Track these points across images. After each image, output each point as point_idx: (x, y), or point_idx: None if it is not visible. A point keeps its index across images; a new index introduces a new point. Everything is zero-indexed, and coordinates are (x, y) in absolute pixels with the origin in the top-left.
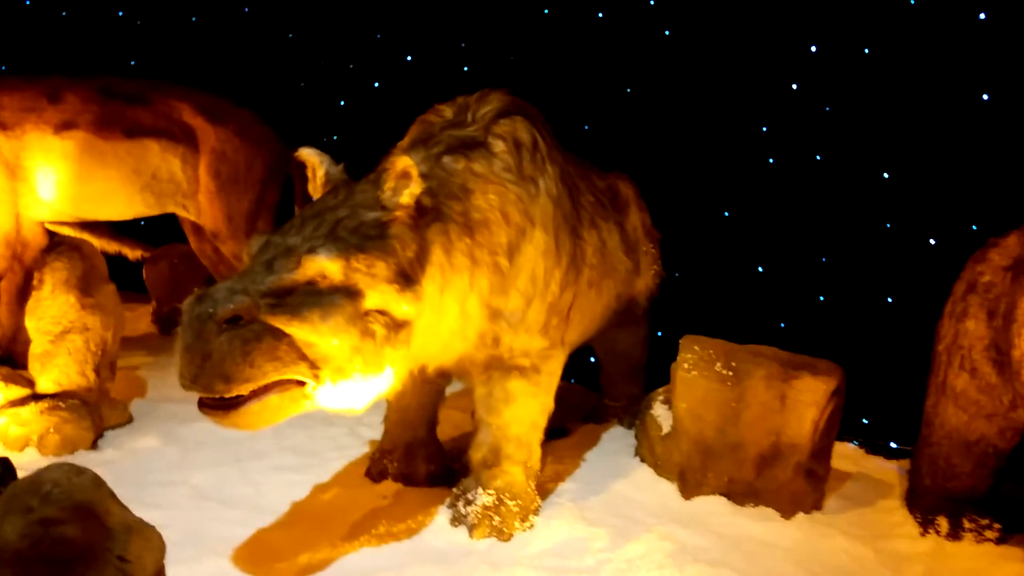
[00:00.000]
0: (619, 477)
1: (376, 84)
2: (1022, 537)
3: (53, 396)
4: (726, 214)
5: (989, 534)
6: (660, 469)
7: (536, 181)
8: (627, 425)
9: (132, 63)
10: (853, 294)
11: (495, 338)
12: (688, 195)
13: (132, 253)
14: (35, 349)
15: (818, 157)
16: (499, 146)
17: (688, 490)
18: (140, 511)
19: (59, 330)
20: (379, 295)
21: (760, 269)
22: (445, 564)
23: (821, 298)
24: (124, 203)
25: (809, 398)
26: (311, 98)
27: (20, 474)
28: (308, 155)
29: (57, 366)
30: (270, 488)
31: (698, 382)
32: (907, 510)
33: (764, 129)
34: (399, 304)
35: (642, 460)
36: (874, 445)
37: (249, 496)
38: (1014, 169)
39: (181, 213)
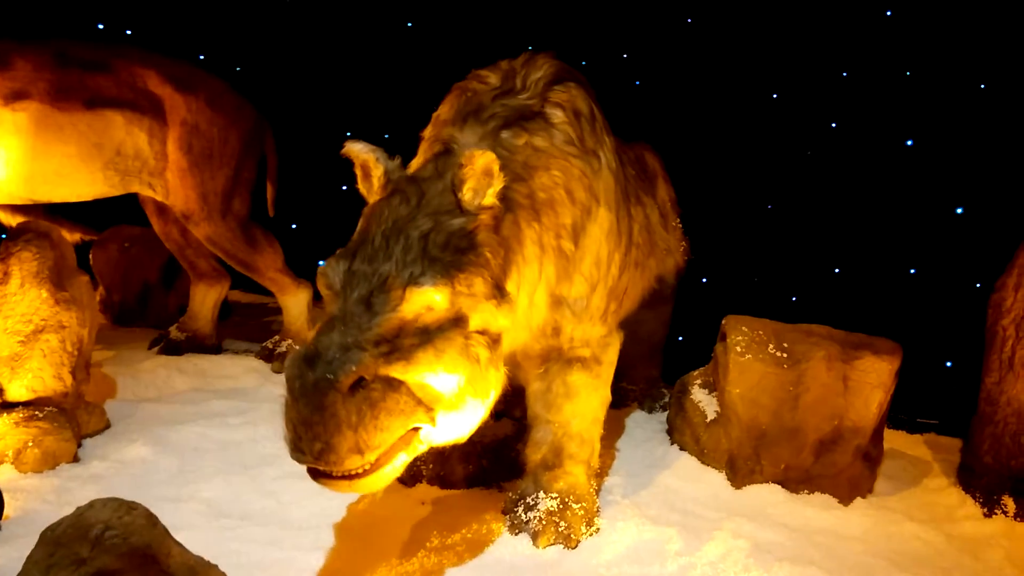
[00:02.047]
0: (662, 468)
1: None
2: None
3: (27, 404)
4: (730, 185)
5: None
6: (706, 457)
7: (598, 154)
8: (647, 409)
9: (99, 27)
10: (871, 268)
11: (556, 328)
12: (698, 167)
13: (72, 236)
14: (2, 352)
15: (833, 124)
16: (558, 116)
17: (739, 479)
18: None
19: (31, 329)
20: (480, 315)
21: (766, 241)
22: None
23: (836, 270)
24: (84, 182)
25: (875, 379)
26: (285, 68)
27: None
28: (360, 151)
29: (31, 370)
30: (292, 499)
31: (753, 366)
32: (961, 490)
33: (775, 96)
34: (497, 320)
35: (681, 448)
36: (904, 422)
37: (273, 510)
38: None
39: (147, 193)
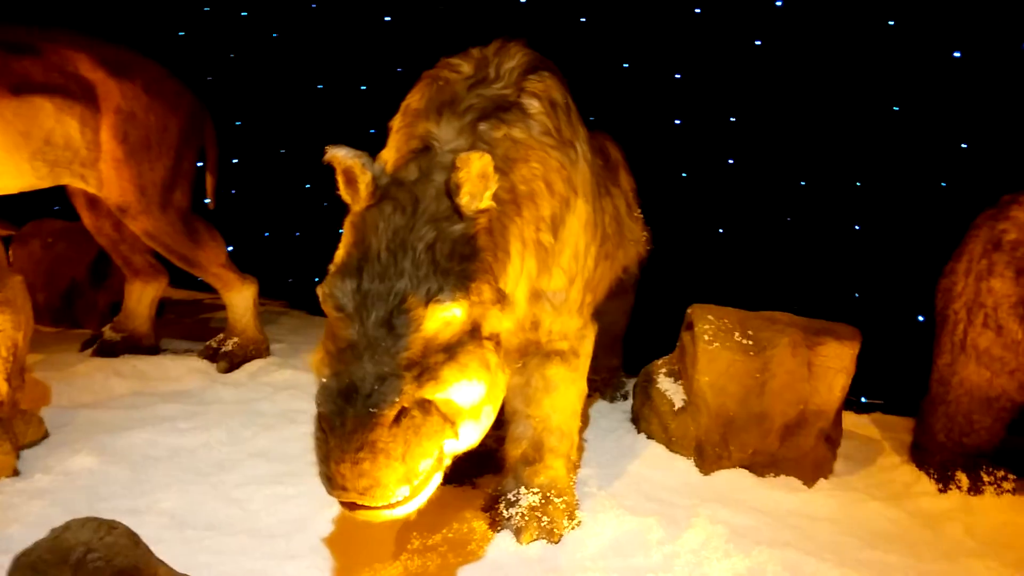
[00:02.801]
0: (632, 457)
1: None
2: None
3: None
4: (683, 175)
5: (1007, 485)
6: (674, 445)
7: (574, 145)
8: (610, 399)
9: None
10: (819, 255)
11: (535, 321)
12: (652, 157)
13: None
14: None
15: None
16: (534, 106)
17: (707, 465)
18: None
19: None
20: (489, 321)
21: (720, 231)
22: None
23: (786, 258)
24: (10, 174)
25: (837, 364)
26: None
27: None
28: (344, 157)
29: None
30: (259, 507)
31: (721, 354)
32: (915, 467)
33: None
34: (502, 323)
35: (649, 437)
36: (851, 403)
37: (239, 519)
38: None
39: (79, 185)
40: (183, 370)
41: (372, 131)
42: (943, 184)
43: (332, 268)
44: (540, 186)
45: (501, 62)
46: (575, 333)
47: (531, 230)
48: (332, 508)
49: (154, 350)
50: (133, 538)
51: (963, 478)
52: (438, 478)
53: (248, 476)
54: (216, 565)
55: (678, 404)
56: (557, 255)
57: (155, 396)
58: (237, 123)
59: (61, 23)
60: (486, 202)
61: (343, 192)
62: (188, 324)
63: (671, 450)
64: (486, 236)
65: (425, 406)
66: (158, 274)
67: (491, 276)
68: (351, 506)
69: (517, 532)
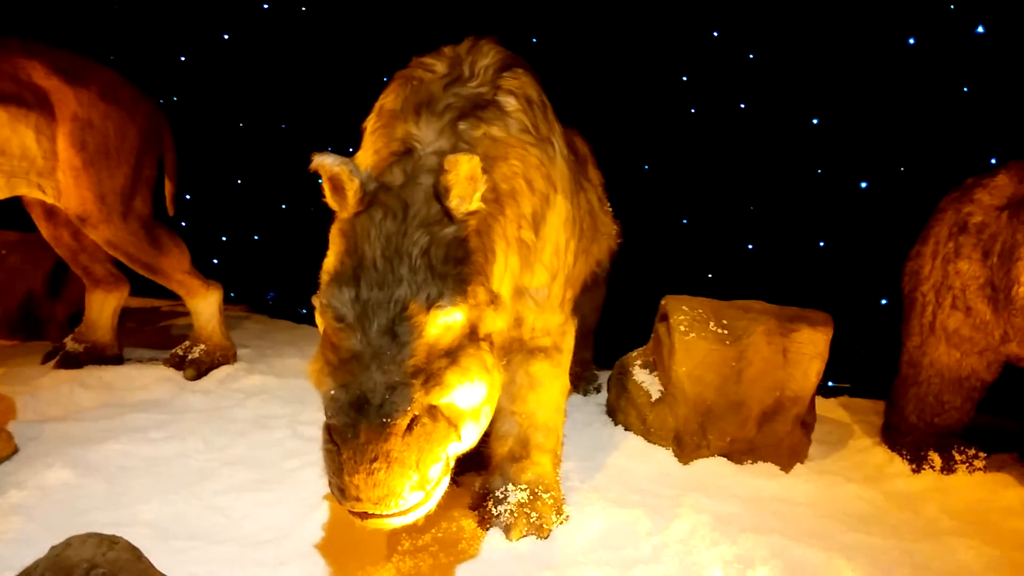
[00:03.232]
0: (611, 449)
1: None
2: (1005, 463)
3: None
4: (646, 167)
5: (978, 463)
6: (653, 436)
7: (551, 141)
8: (583, 392)
9: None
10: (779, 242)
11: (518, 319)
12: (612, 150)
13: None
14: None
15: (743, 105)
16: (511, 104)
17: (686, 455)
18: None
19: None
20: (484, 323)
21: (684, 221)
22: (499, 574)
23: (750, 247)
24: None
25: (812, 350)
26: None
27: None
28: (331, 164)
29: None
30: (242, 514)
31: (697, 344)
32: (887, 448)
33: (685, 79)
34: (496, 323)
35: (626, 428)
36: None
37: (224, 527)
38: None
39: (36, 195)
40: (150, 379)
41: (333, 130)
42: (902, 169)
43: (326, 277)
44: (521, 184)
45: (475, 60)
46: (557, 329)
47: (513, 228)
48: (317, 512)
49: (118, 360)
50: (135, 552)
51: (936, 458)
52: (447, 481)
53: (228, 484)
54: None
55: (655, 395)
56: (539, 252)
57: (124, 407)
58: (187, 126)
59: (10, 30)
60: (475, 203)
61: (329, 199)
62: (149, 332)
63: (649, 441)
64: (476, 237)
65: (432, 412)
66: (119, 283)
67: (484, 277)
68: (363, 515)
69: (507, 529)
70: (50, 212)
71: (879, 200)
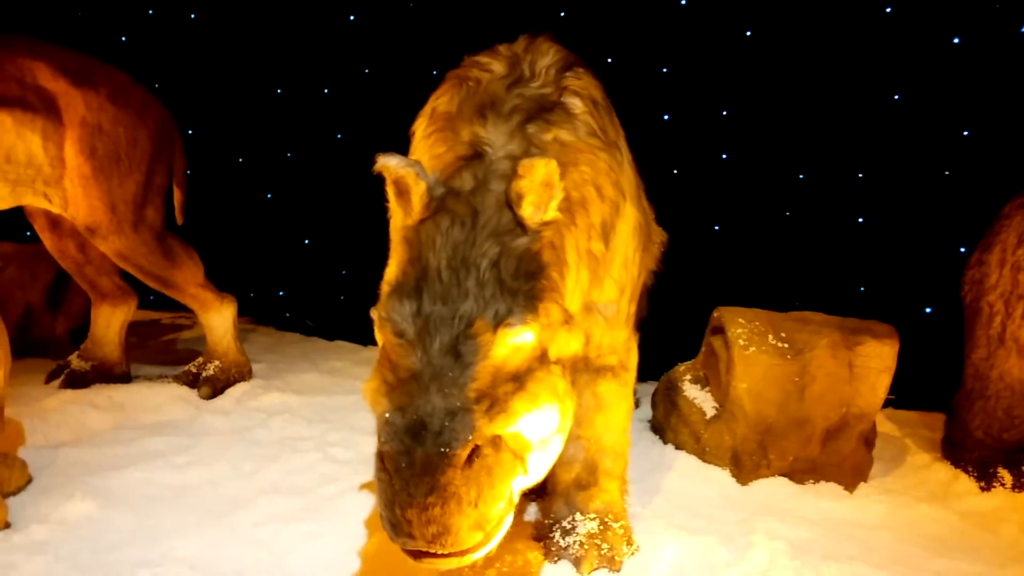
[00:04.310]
0: (665, 470)
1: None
2: None
3: None
4: (675, 172)
5: None
6: (708, 456)
7: (619, 146)
8: None
9: None
10: (817, 248)
11: (586, 336)
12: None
13: None
14: None
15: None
16: (578, 106)
17: (744, 475)
18: None
19: None
20: (556, 344)
21: (716, 228)
22: None
23: (786, 254)
24: None
25: (879, 364)
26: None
27: None
28: (396, 167)
29: None
30: (285, 548)
31: (758, 359)
32: (950, 465)
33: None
34: (570, 345)
35: (677, 447)
36: None
37: (269, 564)
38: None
39: (42, 204)
40: (163, 398)
41: (339, 136)
42: (946, 173)
43: (386, 288)
44: (591, 191)
45: (534, 59)
46: (623, 346)
47: (584, 239)
48: (365, 546)
49: (126, 378)
50: None
51: (1006, 475)
52: (510, 520)
53: (265, 515)
54: None
55: (709, 412)
56: (608, 264)
57: (139, 429)
58: (189, 132)
59: (13, 28)
60: (551, 213)
61: (394, 204)
62: (154, 347)
63: (704, 461)
64: (550, 250)
65: (496, 443)
66: (127, 297)
67: (558, 294)
68: (416, 554)
69: (577, 562)
70: (54, 222)
71: (922, 206)
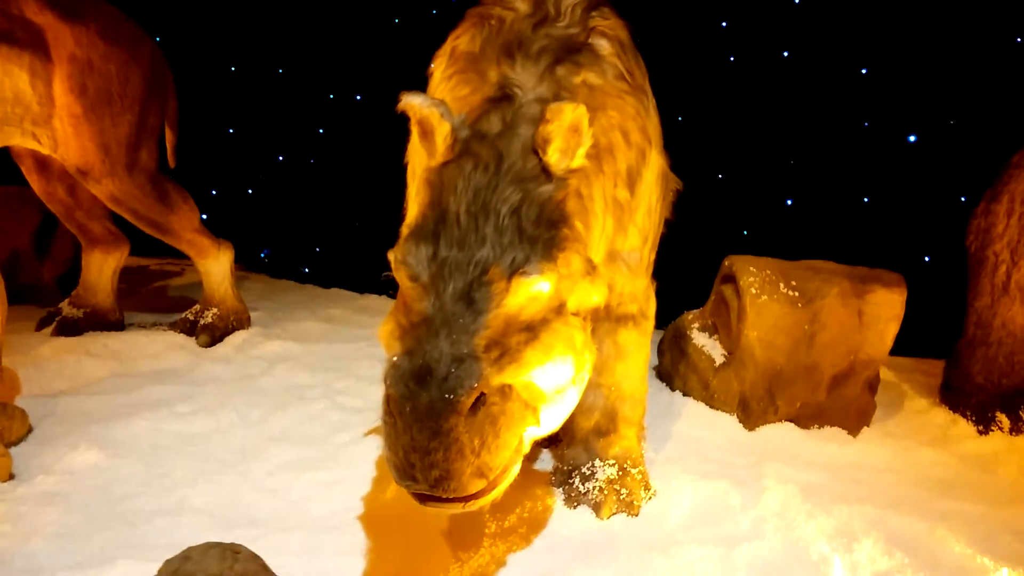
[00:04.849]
0: (674, 417)
1: None
2: None
3: None
4: (679, 119)
5: None
6: (716, 402)
7: (646, 90)
8: None
9: None
10: (815, 196)
11: (609, 285)
12: None
13: None
14: None
15: (785, 53)
16: (605, 48)
17: (752, 421)
18: None
19: None
20: (576, 296)
21: (720, 176)
22: (600, 556)
23: (789, 202)
24: None
25: (888, 312)
26: None
27: None
28: (421, 106)
29: None
30: (302, 497)
31: (769, 307)
32: (948, 409)
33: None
34: (591, 297)
35: (685, 394)
36: None
37: (287, 512)
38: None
39: (30, 145)
40: (161, 346)
41: (335, 75)
42: (951, 122)
43: (405, 231)
44: (617, 137)
45: None
46: (643, 294)
47: (610, 186)
48: (386, 494)
49: (120, 326)
50: (259, 561)
51: (1004, 419)
52: (516, 469)
53: (277, 463)
54: (283, 567)
55: (718, 360)
56: (632, 212)
57: (139, 377)
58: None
59: None
60: (578, 160)
61: (419, 144)
62: (144, 294)
63: (712, 407)
64: (576, 199)
65: (505, 392)
66: (119, 242)
67: (581, 245)
68: (421, 498)
69: (596, 507)
70: (43, 164)
71: (925, 156)
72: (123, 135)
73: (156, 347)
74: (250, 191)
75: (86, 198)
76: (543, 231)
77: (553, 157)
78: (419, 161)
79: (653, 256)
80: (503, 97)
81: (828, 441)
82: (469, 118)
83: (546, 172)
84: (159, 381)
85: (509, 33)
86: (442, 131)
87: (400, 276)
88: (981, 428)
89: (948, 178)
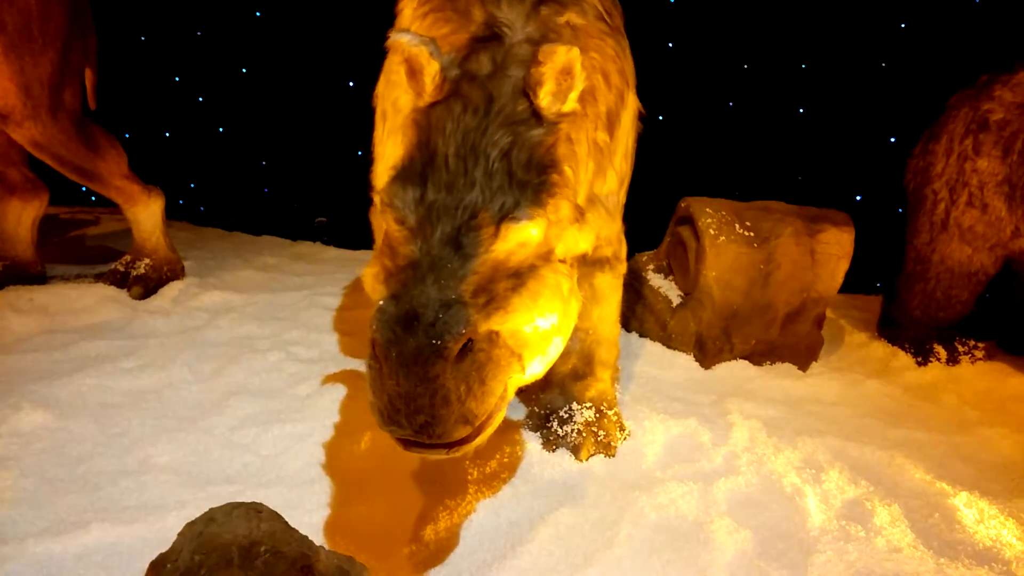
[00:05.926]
0: (633, 357)
1: None
2: (991, 351)
3: None
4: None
5: (978, 353)
6: (673, 342)
7: (622, 31)
8: None
9: None
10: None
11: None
12: None
13: None
14: None
15: None
16: None
17: (708, 359)
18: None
19: None
20: (564, 242)
21: (660, 118)
22: (585, 498)
23: (729, 143)
24: None
25: (839, 250)
26: None
27: None
28: (409, 43)
29: None
30: (273, 451)
31: (727, 248)
32: (886, 343)
33: None
34: (578, 243)
35: (642, 335)
36: None
37: (259, 468)
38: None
39: None
40: (91, 300)
41: (258, 13)
42: (883, 65)
43: (391, 172)
44: (598, 79)
45: None
46: (616, 237)
47: (591, 129)
48: (360, 444)
49: (42, 279)
50: (282, 519)
51: (941, 350)
52: (501, 417)
53: (240, 417)
54: None
55: (675, 301)
56: (611, 155)
57: (73, 333)
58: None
59: None
60: (570, 104)
61: (408, 84)
62: (61, 244)
63: (669, 347)
64: (566, 144)
65: (492, 338)
66: (38, 190)
67: (570, 191)
68: (405, 443)
69: (575, 449)
70: None
71: (855, 98)
72: (45, 75)
73: (86, 300)
74: (167, 134)
75: (2, 142)
76: (533, 176)
77: (544, 100)
78: (390, 102)
79: (624, 198)
80: (492, 36)
81: (782, 377)
82: (458, 58)
83: (537, 115)
84: (95, 336)
85: None
86: (431, 70)
87: (386, 219)
88: (919, 360)
89: (882, 120)
